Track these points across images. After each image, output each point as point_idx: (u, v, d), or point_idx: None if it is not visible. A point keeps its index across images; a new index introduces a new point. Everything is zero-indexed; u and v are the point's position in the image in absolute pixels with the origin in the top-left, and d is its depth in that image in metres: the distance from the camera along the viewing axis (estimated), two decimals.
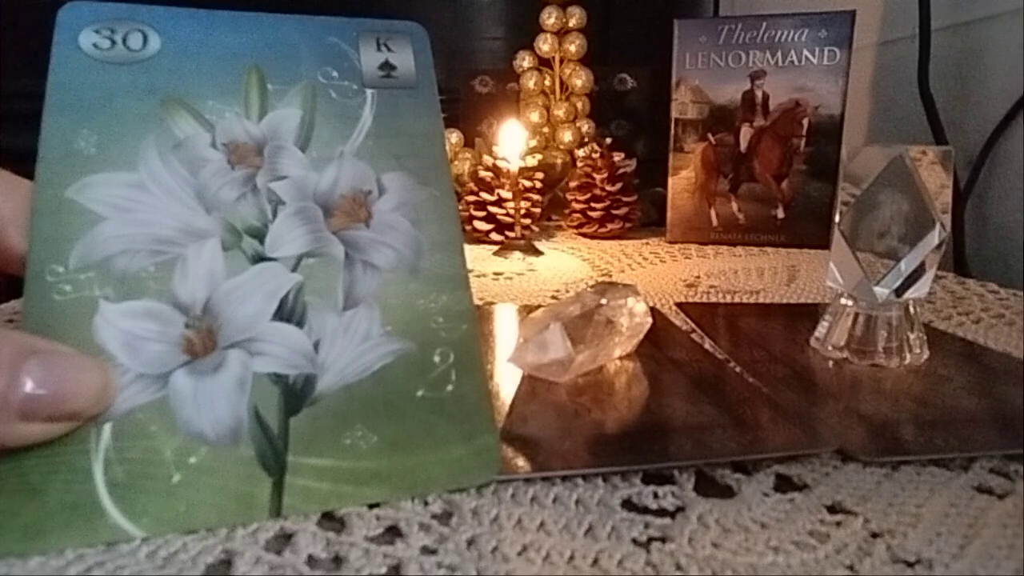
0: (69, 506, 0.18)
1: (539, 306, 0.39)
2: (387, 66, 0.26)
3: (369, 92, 0.25)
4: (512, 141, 0.65)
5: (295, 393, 0.20)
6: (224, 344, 0.20)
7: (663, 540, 0.19)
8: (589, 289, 0.32)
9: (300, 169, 0.23)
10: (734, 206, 0.67)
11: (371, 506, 0.20)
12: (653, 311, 0.35)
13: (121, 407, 0.19)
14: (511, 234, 0.64)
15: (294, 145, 0.24)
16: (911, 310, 0.33)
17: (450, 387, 0.22)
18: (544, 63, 0.80)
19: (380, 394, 0.21)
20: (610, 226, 0.70)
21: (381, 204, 0.24)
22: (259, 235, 0.22)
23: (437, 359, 0.22)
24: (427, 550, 0.18)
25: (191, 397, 0.19)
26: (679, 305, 0.44)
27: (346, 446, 0.20)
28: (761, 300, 0.47)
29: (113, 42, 0.23)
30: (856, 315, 0.33)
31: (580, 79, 0.79)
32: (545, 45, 0.78)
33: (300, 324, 0.21)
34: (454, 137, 0.80)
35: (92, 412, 0.18)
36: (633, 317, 0.32)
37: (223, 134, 0.23)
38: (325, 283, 0.22)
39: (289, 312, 0.21)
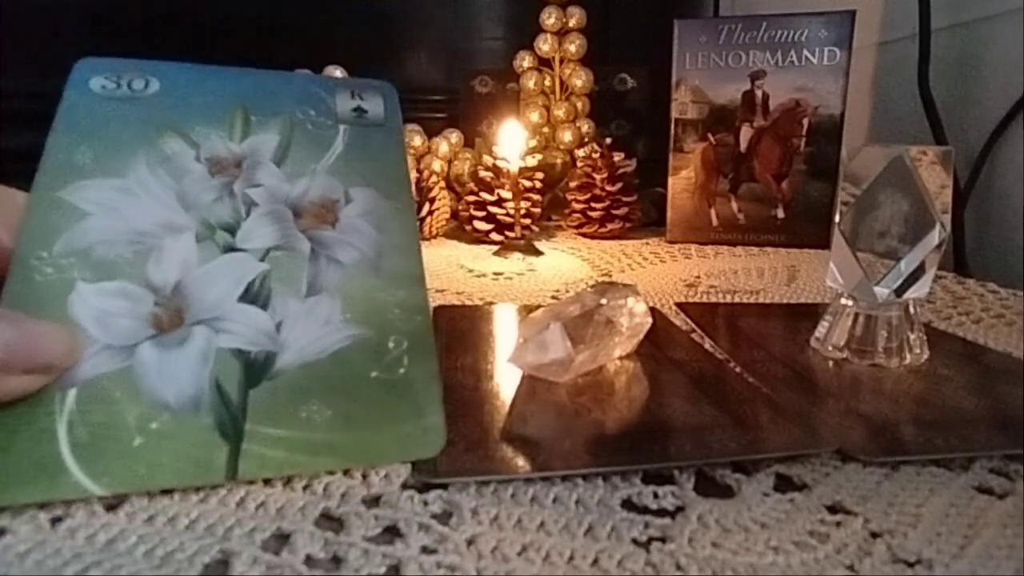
0: (34, 464, 0.19)
1: (539, 306, 0.39)
2: (359, 110, 0.30)
3: (342, 127, 0.29)
4: (512, 141, 0.65)
5: (256, 367, 0.22)
6: (191, 321, 0.22)
7: (663, 540, 0.19)
8: (589, 289, 0.32)
9: (274, 179, 0.26)
10: (734, 206, 0.67)
11: (369, 505, 0.20)
12: (653, 311, 0.35)
13: (87, 373, 0.20)
14: (511, 234, 0.64)
15: (271, 161, 0.27)
16: (911, 310, 0.33)
17: (402, 370, 0.23)
18: (544, 63, 0.80)
19: (336, 373, 0.23)
20: (610, 226, 0.70)
21: (347, 211, 0.27)
22: (231, 230, 0.25)
23: (392, 345, 0.24)
24: (427, 550, 0.18)
25: (155, 367, 0.21)
26: (679, 305, 0.44)
27: (302, 418, 0.21)
28: (761, 300, 0.47)
29: (119, 85, 0.27)
30: (856, 315, 0.33)
31: (580, 79, 0.79)
32: (545, 45, 0.78)
33: (264, 307, 0.23)
34: (454, 137, 0.80)
35: (63, 365, 0.20)
36: (633, 317, 0.32)
37: (207, 151, 0.26)
38: (290, 273, 0.24)
39: (254, 296, 0.23)
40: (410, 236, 0.27)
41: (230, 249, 0.24)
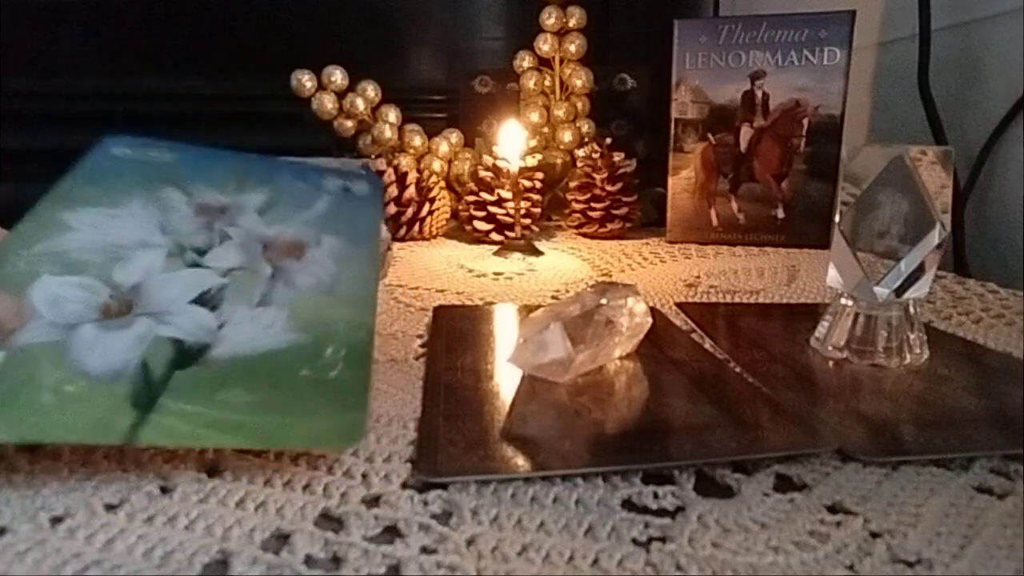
0: None
1: (539, 306, 0.39)
2: (345, 188, 0.34)
3: (326, 195, 0.33)
4: (512, 141, 0.65)
5: (188, 353, 0.23)
6: (137, 312, 0.24)
7: (663, 540, 0.19)
8: (589, 289, 0.32)
9: (253, 223, 0.30)
10: (734, 206, 0.67)
11: (369, 505, 0.20)
12: (653, 311, 0.35)
13: (20, 340, 0.22)
14: (511, 234, 0.64)
15: (254, 212, 0.30)
16: (911, 310, 0.33)
17: (334, 373, 0.24)
18: (544, 63, 0.80)
19: (266, 367, 0.24)
20: (610, 226, 0.70)
21: (315, 250, 0.30)
22: (201, 253, 0.27)
23: (329, 351, 0.25)
24: (427, 550, 0.18)
25: (89, 344, 0.22)
26: (679, 305, 0.44)
27: (218, 400, 0.22)
28: (761, 300, 0.47)
29: (137, 153, 0.31)
30: (856, 315, 0.33)
31: (580, 79, 0.79)
32: (545, 45, 0.78)
33: (213, 310, 0.25)
34: (454, 137, 0.80)
35: (8, 327, 0.22)
36: (633, 317, 0.32)
37: (198, 198, 0.30)
38: (246, 288, 0.26)
39: (206, 301, 0.25)
40: (368, 270, 0.30)
41: (195, 265, 0.26)
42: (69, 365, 0.22)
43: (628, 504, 0.21)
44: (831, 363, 0.33)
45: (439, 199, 0.72)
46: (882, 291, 0.32)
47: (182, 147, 0.32)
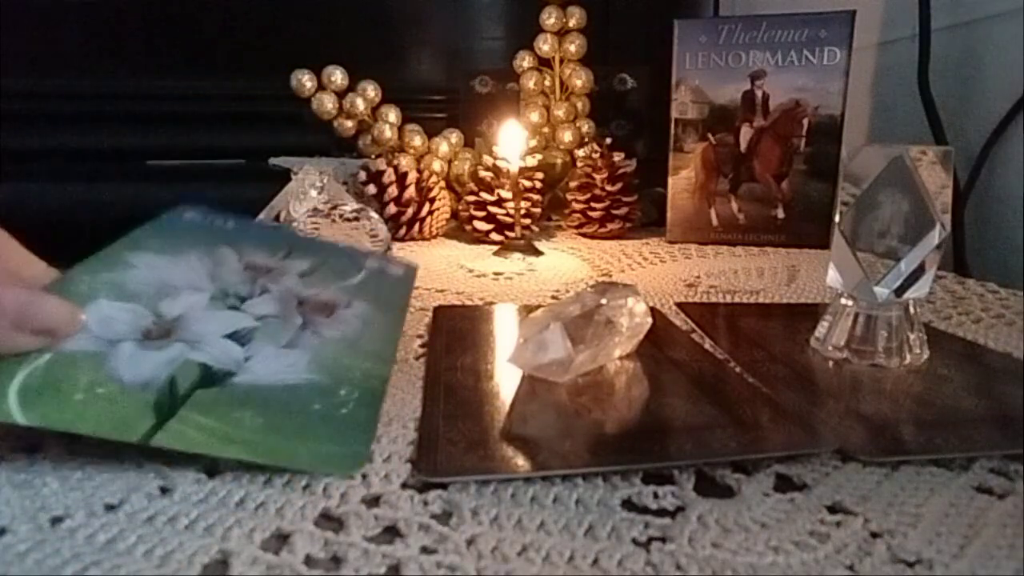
0: None
1: (539, 306, 0.39)
2: (382, 269, 0.38)
3: (364, 271, 0.37)
4: (512, 141, 0.64)
5: (213, 377, 0.25)
6: (174, 339, 0.26)
7: (663, 540, 0.19)
8: (589, 289, 0.32)
9: (294, 283, 0.33)
10: (734, 206, 0.67)
11: (369, 505, 0.20)
12: (653, 311, 0.35)
13: (67, 347, 0.24)
14: (511, 234, 0.64)
15: (296, 275, 0.34)
16: (911, 310, 0.33)
17: (344, 410, 0.26)
18: (544, 63, 0.80)
19: (282, 398, 0.25)
20: (610, 226, 0.70)
21: (345, 311, 0.32)
22: (242, 300, 0.30)
23: (343, 392, 0.27)
24: (427, 550, 0.18)
25: (126, 357, 0.24)
26: (679, 305, 0.44)
27: (233, 417, 0.24)
28: (761, 300, 0.47)
29: (204, 219, 0.35)
30: (856, 315, 0.33)
31: (580, 79, 0.79)
32: (545, 45, 0.78)
33: (242, 345, 0.27)
34: (454, 137, 0.80)
35: (64, 332, 0.24)
36: (633, 317, 0.32)
37: (248, 258, 0.33)
38: (276, 332, 0.29)
39: (238, 337, 0.28)
40: (392, 333, 0.33)
41: (234, 309, 0.29)
42: (105, 372, 0.24)
43: (628, 504, 0.21)
44: (831, 363, 0.33)
45: (439, 199, 0.72)
46: (882, 291, 0.32)
47: (244, 220, 0.36)
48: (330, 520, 0.20)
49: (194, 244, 0.32)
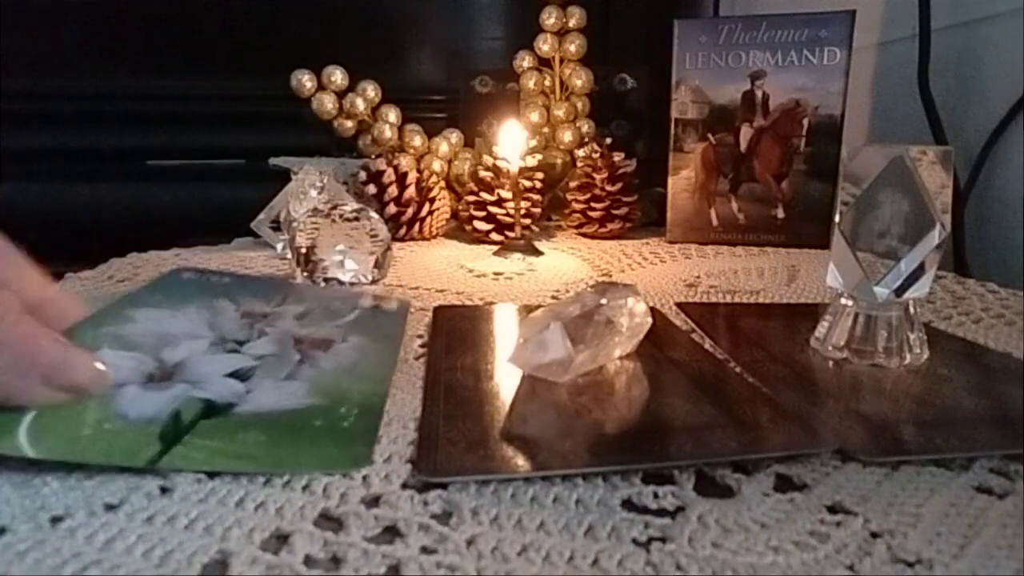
0: None
1: (539, 306, 0.39)
2: (376, 305, 0.40)
3: (359, 309, 0.38)
4: (512, 141, 0.64)
5: (216, 409, 0.26)
6: (176, 380, 0.27)
7: (663, 540, 0.19)
8: (589, 289, 0.32)
9: (290, 324, 0.35)
10: (734, 206, 0.67)
11: (369, 505, 0.20)
12: (653, 311, 0.35)
13: None
14: (511, 234, 0.64)
15: (292, 318, 0.35)
16: (911, 310, 0.33)
17: (345, 424, 0.26)
18: (544, 63, 0.80)
19: (284, 419, 0.26)
20: (610, 226, 0.70)
21: (341, 345, 0.33)
22: (240, 343, 0.32)
23: (343, 410, 0.27)
24: (427, 550, 0.18)
25: (131, 398, 0.25)
26: (679, 305, 0.44)
27: (238, 439, 0.24)
28: (761, 300, 0.47)
29: (202, 277, 0.37)
30: (856, 315, 0.33)
31: (580, 79, 0.79)
32: (545, 45, 0.78)
33: (243, 381, 0.28)
34: (454, 137, 0.80)
35: (90, 391, 0.25)
36: (633, 317, 0.32)
37: (245, 307, 0.35)
38: (275, 368, 0.30)
39: (239, 375, 0.29)
40: (388, 359, 0.33)
41: (234, 351, 0.31)
42: (111, 410, 0.25)
43: (628, 504, 0.21)
44: (831, 363, 0.33)
45: (439, 199, 0.72)
46: (882, 291, 0.32)
47: (240, 276, 0.39)
48: (330, 520, 0.20)
49: (192, 298, 0.35)
